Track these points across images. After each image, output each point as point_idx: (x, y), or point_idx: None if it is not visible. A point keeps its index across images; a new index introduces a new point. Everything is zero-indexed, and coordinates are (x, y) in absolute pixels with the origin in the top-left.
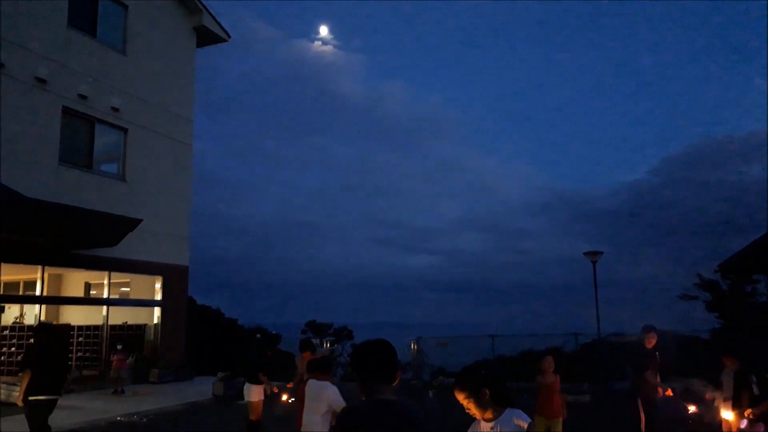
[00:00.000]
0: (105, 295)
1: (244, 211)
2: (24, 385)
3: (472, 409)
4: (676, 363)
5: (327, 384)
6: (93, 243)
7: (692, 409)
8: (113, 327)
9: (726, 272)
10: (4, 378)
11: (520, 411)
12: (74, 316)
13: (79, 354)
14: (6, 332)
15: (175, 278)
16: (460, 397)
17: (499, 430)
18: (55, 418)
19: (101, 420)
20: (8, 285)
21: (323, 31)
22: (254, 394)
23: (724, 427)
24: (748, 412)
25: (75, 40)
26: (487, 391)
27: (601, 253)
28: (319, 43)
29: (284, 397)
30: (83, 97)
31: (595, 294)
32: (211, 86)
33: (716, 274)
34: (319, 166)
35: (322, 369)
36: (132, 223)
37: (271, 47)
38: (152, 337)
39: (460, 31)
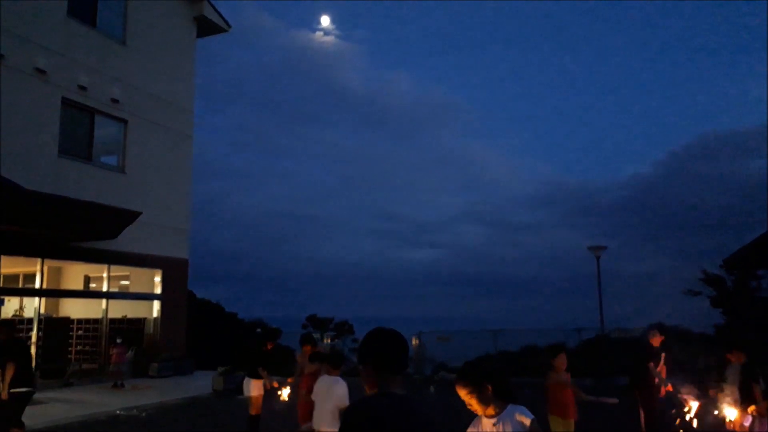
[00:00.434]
0: (104, 289)
1: (245, 202)
2: (9, 378)
3: (474, 404)
4: (680, 360)
5: (337, 379)
6: (92, 235)
7: (695, 405)
8: (113, 320)
9: (731, 267)
10: None
11: (523, 407)
12: (74, 309)
13: (79, 347)
14: None
15: (174, 271)
16: (462, 393)
17: (501, 426)
18: (54, 412)
19: (101, 413)
20: (8, 277)
21: (325, 21)
22: (254, 388)
23: (728, 425)
24: (751, 408)
25: (75, 30)
26: (490, 387)
27: (605, 247)
28: (321, 33)
29: (284, 392)
30: (83, 88)
31: (599, 289)
32: (211, 77)
33: (721, 269)
34: (320, 158)
35: (333, 363)
36: (131, 216)
37: (273, 37)
38: (152, 330)
39: (465, 21)
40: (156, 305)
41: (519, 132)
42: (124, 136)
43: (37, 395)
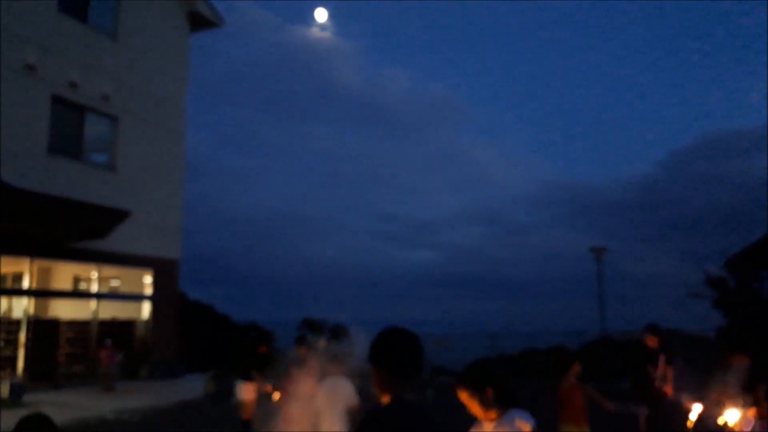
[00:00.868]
0: (94, 289)
1: (239, 201)
2: None
3: (475, 408)
4: (682, 362)
5: (342, 378)
6: (81, 235)
7: (698, 409)
8: (102, 322)
9: (733, 268)
10: None
11: (524, 412)
12: (63, 310)
13: (68, 350)
14: None
15: (165, 272)
16: (463, 396)
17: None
18: None
19: (90, 417)
20: None
21: (321, 16)
22: (247, 392)
23: (730, 428)
24: (753, 411)
25: (65, 25)
26: (491, 391)
27: (606, 248)
28: (317, 29)
29: (276, 396)
30: (73, 84)
31: (600, 291)
32: (205, 73)
33: (723, 270)
34: (316, 156)
35: (336, 362)
36: (121, 215)
37: (268, 33)
38: (142, 332)
39: (465, 17)
40: (146, 306)
41: (519, 131)
42: (115, 133)
43: (25, 398)
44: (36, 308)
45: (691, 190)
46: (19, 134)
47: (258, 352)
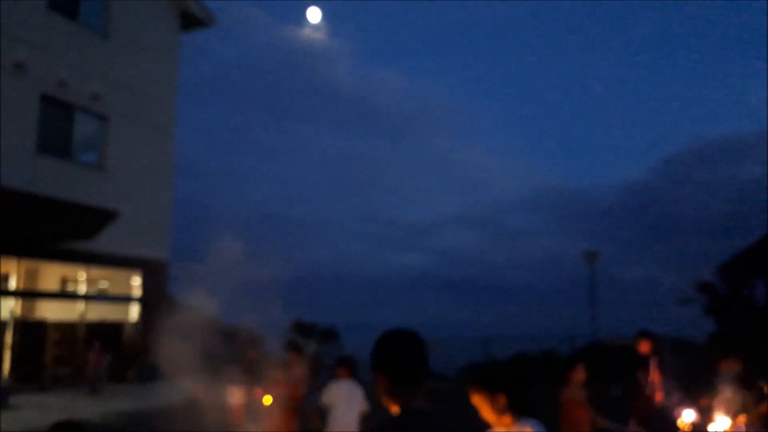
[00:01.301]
0: (82, 291)
1: (229, 203)
2: None
3: (486, 412)
4: (672, 368)
5: (354, 382)
6: (69, 235)
7: (692, 417)
8: (90, 324)
9: (724, 275)
10: None
11: (536, 422)
12: (50, 311)
13: (55, 352)
14: None
15: (154, 273)
16: (474, 398)
17: None
18: (28, 418)
19: (76, 419)
20: None
21: (314, 17)
22: (235, 396)
23: None
24: (742, 418)
25: (55, 23)
26: (503, 397)
27: (598, 254)
28: (311, 29)
29: (265, 399)
30: (63, 83)
31: (591, 296)
32: (195, 73)
33: (714, 276)
34: (308, 158)
35: (349, 367)
36: (109, 216)
37: (260, 33)
38: (131, 334)
39: (459, 20)
40: (135, 308)
41: (513, 135)
42: (104, 133)
43: (11, 400)
44: (23, 309)
45: (684, 195)
46: (7, 133)
47: (247, 356)
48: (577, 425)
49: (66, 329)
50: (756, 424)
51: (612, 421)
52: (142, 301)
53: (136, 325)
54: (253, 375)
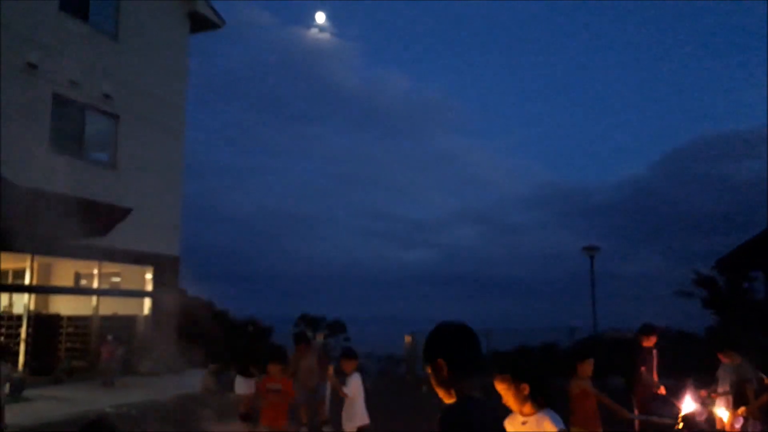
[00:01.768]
0: (95, 285)
1: (238, 200)
2: None
3: (510, 400)
4: (672, 361)
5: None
6: (83, 232)
7: (692, 407)
8: (103, 317)
9: (723, 268)
10: None
11: (555, 414)
12: (63, 306)
13: (68, 345)
14: None
15: (166, 268)
16: (500, 387)
17: (529, 427)
18: (43, 410)
19: (90, 411)
20: None
21: (320, 18)
22: (245, 387)
23: (718, 425)
24: (742, 410)
25: (67, 25)
26: (527, 387)
27: (599, 248)
28: (316, 30)
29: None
30: (74, 83)
31: (592, 290)
32: (205, 73)
33: (713, 271)
34: (314, 156)
35: (355, 359)
36: (122, 213)
37: (267, 34)
38: (142, 328)
39: (462, 21)
40: (147, 302)
41: (514, 132)
42: (115, 131)
43: (25, 393)
44: (37, 304)
45: (684, 191)
46: (20, 132)
47: (256, 347)
48: (588, 417)
49: (79, 323)
50: (756, 415)
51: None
52: (154, 295)
53: (147, 318)
54: (262, 366)
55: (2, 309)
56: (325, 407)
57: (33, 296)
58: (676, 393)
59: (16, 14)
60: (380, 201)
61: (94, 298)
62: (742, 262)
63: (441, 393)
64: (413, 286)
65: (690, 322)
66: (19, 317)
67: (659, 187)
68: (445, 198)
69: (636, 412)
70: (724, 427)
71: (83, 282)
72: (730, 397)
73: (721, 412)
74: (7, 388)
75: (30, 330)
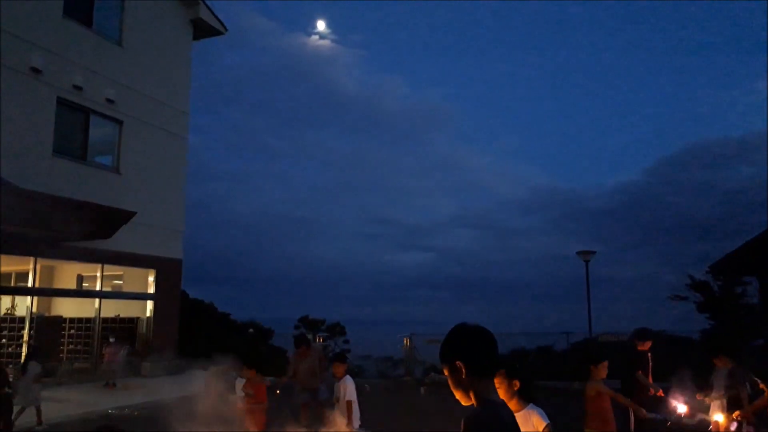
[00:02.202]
0: (97, 288)
1: (239, 204)
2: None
3: (500, 394)
4: (667, 364)
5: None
6: (86, 235)
7: (683, 410)
8: (105, 320)
9: (717, 273)
10: None
11: (541, 410)
12: (66, 308)
13: (71, 347)
14: None
15: (168, 271)
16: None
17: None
18: (46, 411)
19: (92, 413)
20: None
21: (321, 25)
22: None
23: (713, 427)
24: (737, 414)
25: (71, 30)
26: (517, 383)
27: (594, 252)
28: (317, 37)
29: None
30: (78, 87)
31: (587, 293)
32: (207, 79)
33: (707, 275)
34: (314, 161)
35: (346, 363)
36: (126, 216)
37: (269, 40)
38: (145, 330)
39: (460, 27)
40: (149, 305)
41: (511, 138)
42: (119, 136)
43: None
44: (40, 306)
45: (678, 197)
46: (24, 136)
47: (257, 349)
48: (603, 418)
49: (82, 325)
50: (750, 419)
51: (654, 414)
52: (156, 297)
53: (150, 320)
54: (263, 368)
55: (5, 311)
56: (323, 408)
57: (36, 298)
58: (671, 396)
59: (20, 19)
60: (380, 205)
61: (97, 301)
62: (736, 267)
63: (458, 395)
64: (412, 289)
65: (684, 326)
66: (22, 319)
67: (654, 192)
68: (443, 202)
69: (631, 413)
70: (719, 430)
71: (86, 284)
72: (725, 401)
73: (716, 416)
74: (39, 388)
75: (32, 332)
